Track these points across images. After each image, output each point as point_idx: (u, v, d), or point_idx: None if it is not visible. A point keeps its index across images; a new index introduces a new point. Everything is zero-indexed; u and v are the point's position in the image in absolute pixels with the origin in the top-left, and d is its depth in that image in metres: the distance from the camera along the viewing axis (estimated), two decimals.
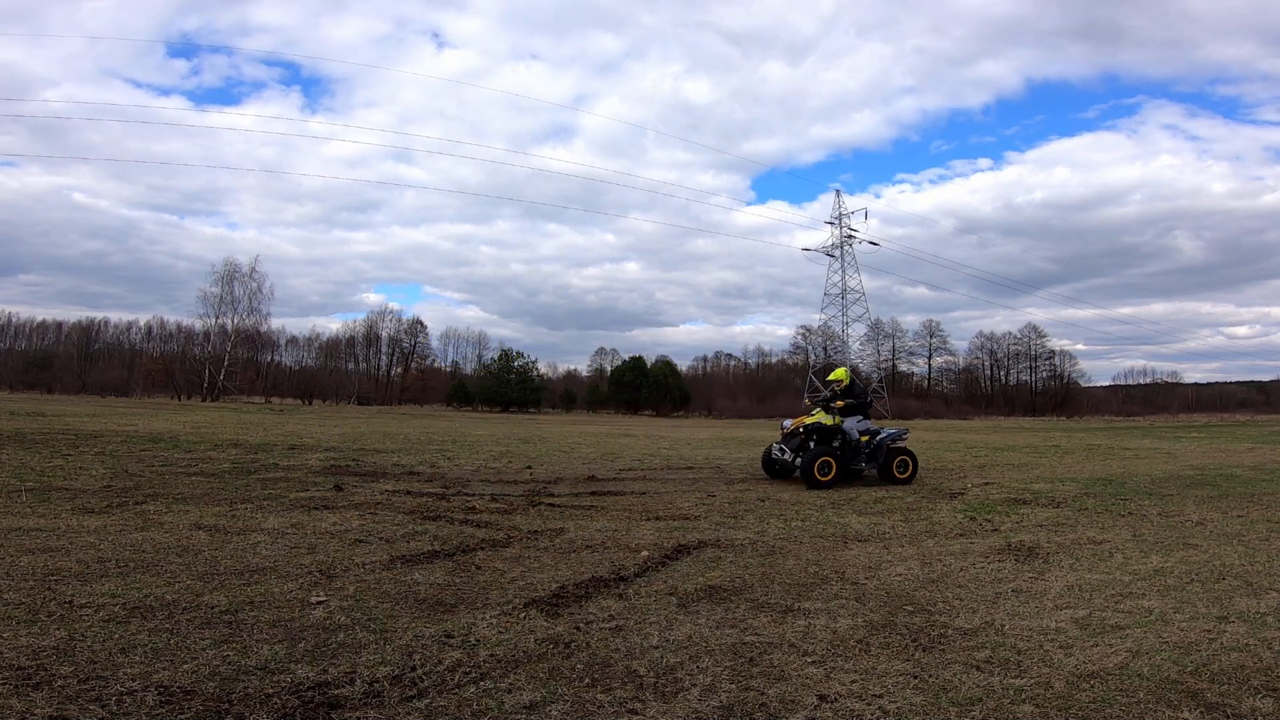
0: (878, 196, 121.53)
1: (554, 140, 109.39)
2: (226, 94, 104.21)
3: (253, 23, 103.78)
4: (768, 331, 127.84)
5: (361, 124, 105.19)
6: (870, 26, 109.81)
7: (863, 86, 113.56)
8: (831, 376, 10.35)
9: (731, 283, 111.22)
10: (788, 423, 10.05)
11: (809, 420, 9.62)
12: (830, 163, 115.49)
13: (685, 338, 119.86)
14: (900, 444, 10.01)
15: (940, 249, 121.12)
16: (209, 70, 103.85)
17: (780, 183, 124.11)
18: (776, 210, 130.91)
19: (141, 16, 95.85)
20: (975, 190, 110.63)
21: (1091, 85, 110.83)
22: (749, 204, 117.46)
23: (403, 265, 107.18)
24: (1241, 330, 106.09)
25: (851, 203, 73.47)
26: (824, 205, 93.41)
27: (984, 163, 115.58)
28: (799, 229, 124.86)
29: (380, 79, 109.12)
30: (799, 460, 9.21)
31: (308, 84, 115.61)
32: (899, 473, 9.58)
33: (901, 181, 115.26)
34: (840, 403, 9.78)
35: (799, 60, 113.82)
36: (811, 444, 9.40)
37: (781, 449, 9.71)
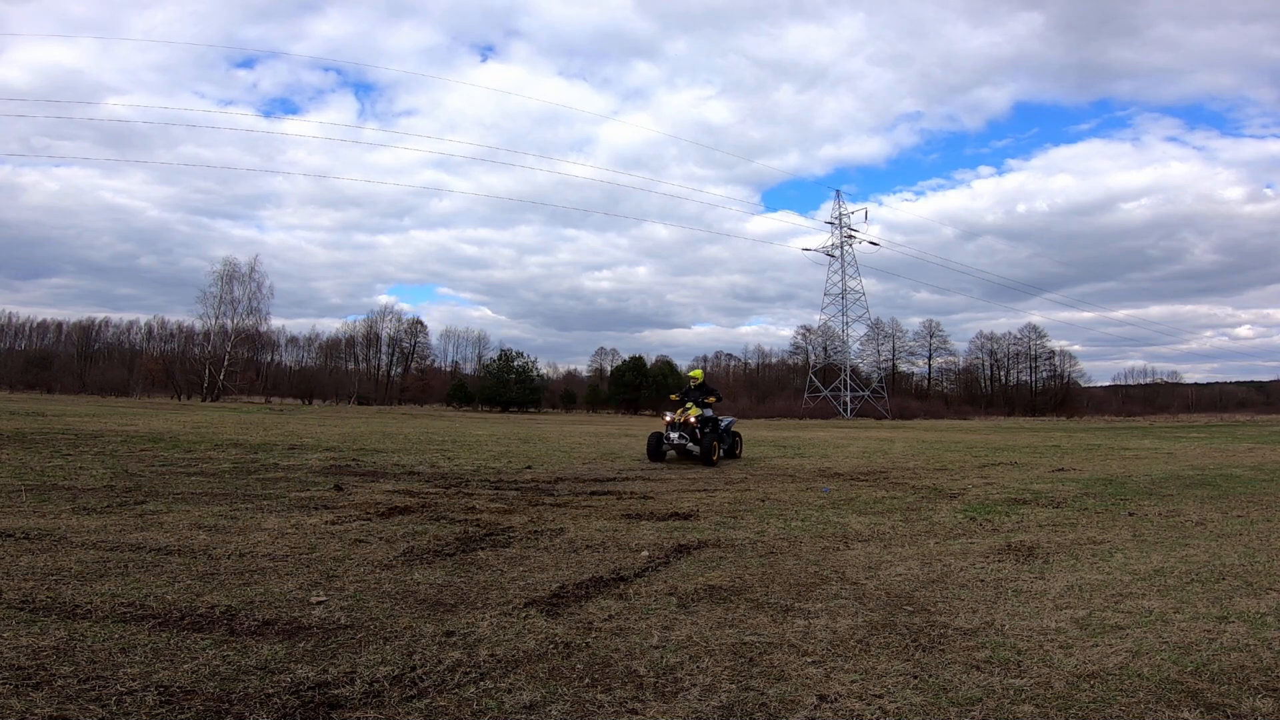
0: (880, 204, 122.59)
1: (582, 150, 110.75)
2: (286, 102, 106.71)
3: (311, 33, 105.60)
4: (771, 332, 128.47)
5: (406, 131, 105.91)
6: (887, 59, 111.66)
7: (870, 110, 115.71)
8: (693, 374, 13.59)
9: (741, 285, 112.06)
10: (671, 415, 12.72)
11: (696, 413, 12.35)
12: (836, 175, 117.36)
13: (695, 339, 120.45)
14: (734, 429, 13.93)
15: (947, 254, 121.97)
16: (268, 79, 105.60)
17: (786, 194, 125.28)
18: (784, 219, 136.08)
19: (200, 28, 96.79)
20: (978, 196, 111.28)
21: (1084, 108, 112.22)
22: (758, 214, 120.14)
23: (423, 267, 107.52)
24: (1243, 331, 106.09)
25: (853, 207, 73.28)
26: (828, 212, 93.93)
27: (986, 170, 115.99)
28: (805, 234, 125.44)
29: (427, 86, 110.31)
30: (691, 445, 12.08)
31: (360, 89, 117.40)
32: (738, 452, 13.59)
33: (903, 189, 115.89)
34: (713, 399, 12.85)
35: (811, 85, 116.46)
36: (699, 432, 12.14)
37: (681, 437, 12.29)
